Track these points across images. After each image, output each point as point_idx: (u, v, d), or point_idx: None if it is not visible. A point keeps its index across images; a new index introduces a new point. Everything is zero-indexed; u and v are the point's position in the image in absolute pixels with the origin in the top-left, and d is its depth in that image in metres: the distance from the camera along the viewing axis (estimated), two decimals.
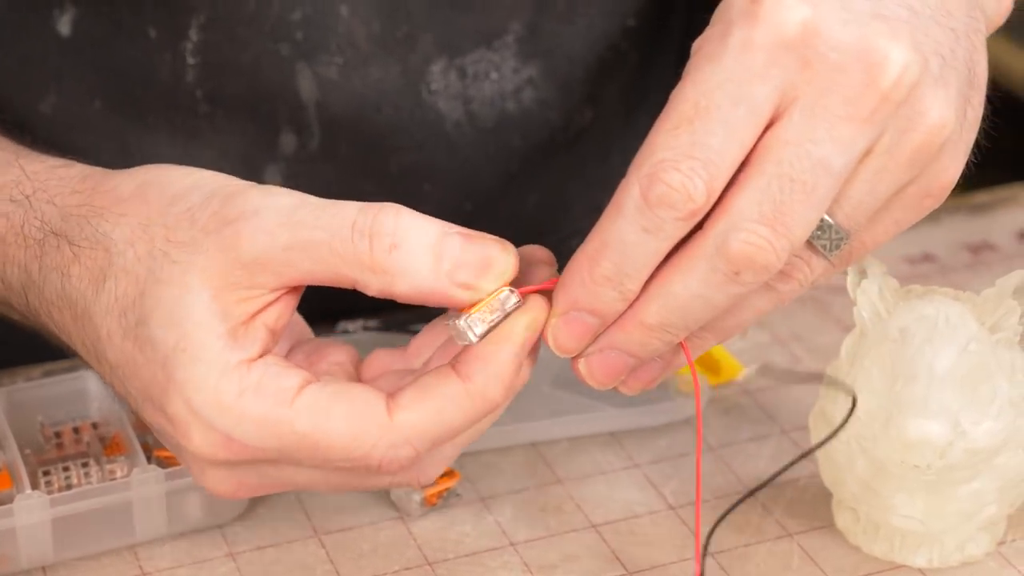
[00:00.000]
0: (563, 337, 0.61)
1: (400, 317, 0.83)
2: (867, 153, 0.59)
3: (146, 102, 0.82)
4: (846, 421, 0.65)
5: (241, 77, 0.81)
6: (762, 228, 0.58)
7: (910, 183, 0.61)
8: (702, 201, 0.57)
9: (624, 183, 0.59)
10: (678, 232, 0.58)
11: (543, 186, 0.89)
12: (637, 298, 0.60)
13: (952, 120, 0.60)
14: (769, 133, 0.58)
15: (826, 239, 0.60)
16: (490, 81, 0.84)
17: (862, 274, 0.68)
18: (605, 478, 0.75)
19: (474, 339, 0.61)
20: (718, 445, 0.76)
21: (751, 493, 0.66)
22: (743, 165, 0.58)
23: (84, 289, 0.62)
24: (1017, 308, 0.67)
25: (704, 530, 0.70)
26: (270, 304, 0.60)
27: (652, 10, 0.88)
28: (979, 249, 0.91)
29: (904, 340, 0.66)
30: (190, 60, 0.80)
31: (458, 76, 0.84)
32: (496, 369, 0.60)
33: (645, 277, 0.60)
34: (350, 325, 0.83)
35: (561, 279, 0.61)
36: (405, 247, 0.59)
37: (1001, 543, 0.70)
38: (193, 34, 0.80)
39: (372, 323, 0.83)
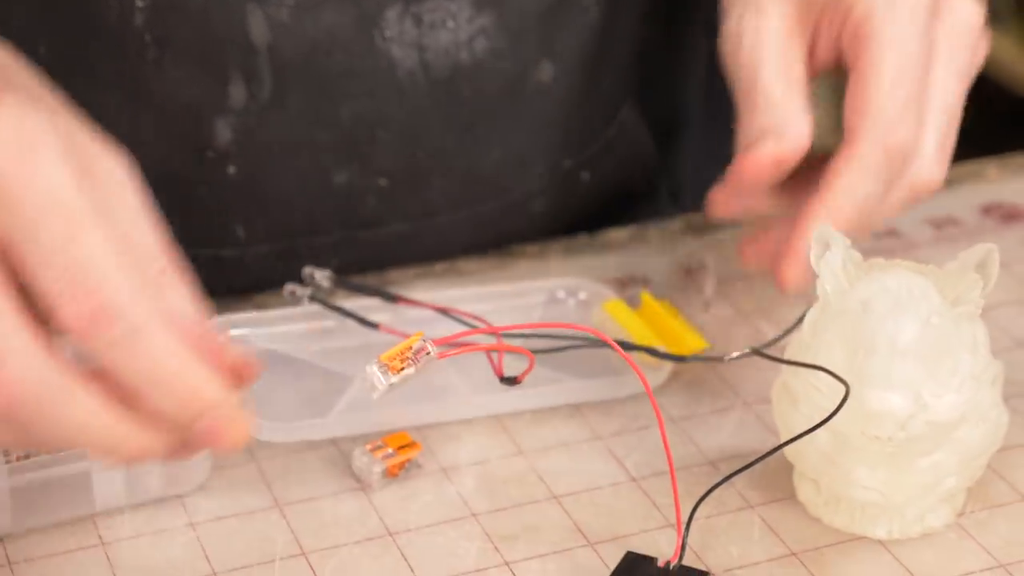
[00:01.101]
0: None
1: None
2: None
3: (92, 48, 0.81)
4: (838, 410, 0.65)
5: (191, 20, 0.80)
6: None
7: None
8: None
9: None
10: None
11: (502, 142, 0.89)
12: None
13: None
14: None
15: None
16: (446, 30, 0.84)
17: (825, 246, 0.68)
18: (567, 450, 0.75)
19: (383, 388, 0.61)
20: (680, 417, 0.76)
21: (729, 477, 0.67)
22: None
23: None
24: (979, 281, 0.67)
25: (668, 502, 0.70)
26: None
27: None
28: (943, 224, 0.91)
29: (866, 312, 0.66)
30: (139, 2, 0.79)
31: (413, 23, 0.83)
32: None
33: None
34: (317, 273, 0.81)
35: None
36: None
37: (961, 515, 0.71)
38: None
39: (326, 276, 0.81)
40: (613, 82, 0.92)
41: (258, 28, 0.81)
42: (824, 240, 0.68)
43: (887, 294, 0.66)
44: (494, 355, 0.70)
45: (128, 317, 0.56)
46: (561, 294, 0.83)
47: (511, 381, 0.70)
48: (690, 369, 0.79)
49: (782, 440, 0.69)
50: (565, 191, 0.92)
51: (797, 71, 0.77)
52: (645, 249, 0.89)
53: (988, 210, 0.93)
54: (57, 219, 0.56)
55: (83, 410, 0.56)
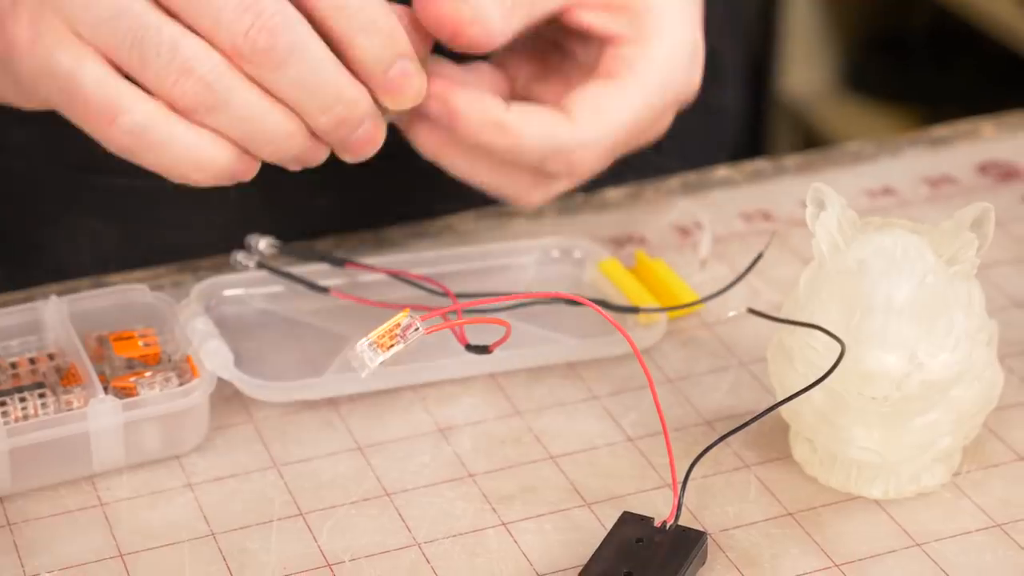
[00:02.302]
0: None
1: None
2: None
3: None
4: (833, 369, 0.65)
5: None
6: None
7: None
8: None
9: None
10: None
11: None
12: None
13: None
14: None
15: None
16: None
17: (820, 206, 0.68)
18: (564, 409, 0.75)
19: (372, 366, 0.62)
20: (676, 377, 0.77)
21: (725, 437, 0.67)
22: None
23: None
24: (975, 240, 0.67)
25: (664, 462, 0.70)
26: None
27: None
28: (939, 183, 0.91)
29: (862, 272, 0.66)
30: None
31: None
32: None
33: None
34: (262, 241, 0.81)
35: None
36: None
37: (956, 474, 0.71)
38: None
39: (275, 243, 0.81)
40: None
41: None
42: (819, 199, 0.68)
43: (882, 253, 0.67)
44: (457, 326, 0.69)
45: None
46: (556, 253, 0.83)
47: (481, 350, 0.70)
48: (685, 329, 0.79)
49: (778, 399, 0.69)
50: None
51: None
52: (640, 208, 0.89)
53: (984, 168, 0.93)
54: None
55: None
